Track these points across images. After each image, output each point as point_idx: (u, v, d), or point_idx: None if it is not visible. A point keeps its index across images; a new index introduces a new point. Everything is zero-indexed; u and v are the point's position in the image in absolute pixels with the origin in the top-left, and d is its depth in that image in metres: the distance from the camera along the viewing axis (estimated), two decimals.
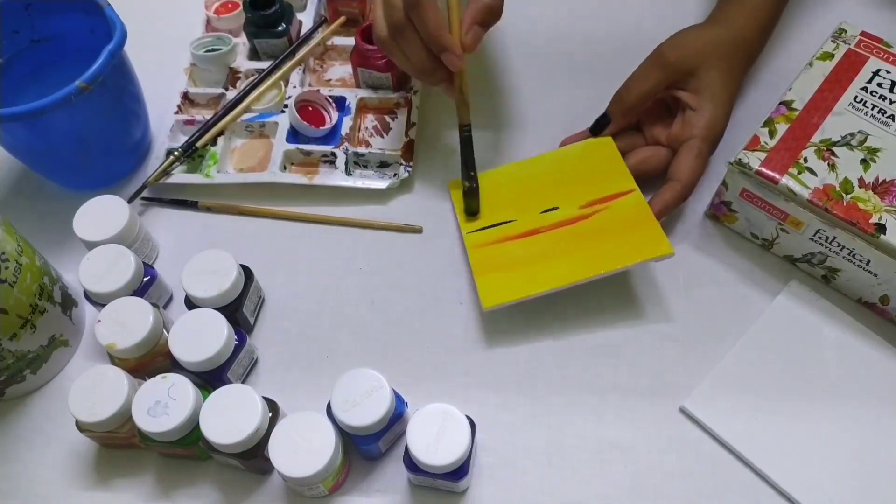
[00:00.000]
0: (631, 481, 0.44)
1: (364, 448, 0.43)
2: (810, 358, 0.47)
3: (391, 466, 0.45)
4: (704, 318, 0.49)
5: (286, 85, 0.59)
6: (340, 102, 0.58)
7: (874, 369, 0.46)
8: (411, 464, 0.40)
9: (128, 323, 0.44)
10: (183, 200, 0.55)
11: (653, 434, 0.45)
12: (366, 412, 0.40)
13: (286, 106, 0.58)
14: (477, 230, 0.51)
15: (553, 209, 0.50)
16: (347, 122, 0.57)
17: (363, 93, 0.59)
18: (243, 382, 0.47)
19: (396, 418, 0.42)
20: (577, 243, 0.48)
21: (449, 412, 0.40)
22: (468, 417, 0.40)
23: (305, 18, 0.63)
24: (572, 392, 0.47)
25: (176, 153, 0.55)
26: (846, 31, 0.51)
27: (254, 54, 0.62)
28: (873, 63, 0.50)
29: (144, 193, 0.55)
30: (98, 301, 0.47)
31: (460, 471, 0.40)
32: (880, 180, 0.45)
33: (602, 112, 0.53)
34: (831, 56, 0.50)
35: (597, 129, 0.53)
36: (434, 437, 0.39)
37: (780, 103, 0.49)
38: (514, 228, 0.50)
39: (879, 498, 0.42)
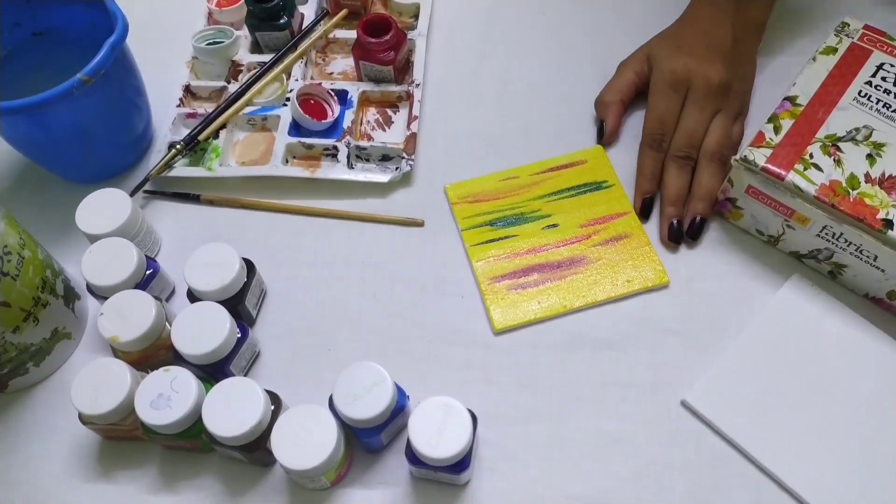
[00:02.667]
0: (632, 474, 0.44)
1: (366, 441, 0.43)
2: (812, 352, 0.47)
3: (393, 459, 0.45)
4: (706, 312, 0.49)
5: (288, 78, 0.59)
6: (342, 96, 0.58)
7: (876, 363, 0.46)
8: (413, 457, 0.40)
9: (130, 316, 0.44)
10: (185, 194, 0.55)
11: (654, 427, 0.45)
12: (368, 405, 0.40)
13: (288, 99, 0.57)
14: (480, 243, 0.52)
15: (554, 226, 0.52)
16: (349, 116, 0.57)
17: (365, 86, 0.58)
18: (245, 375, 0.47)
19: (398, 411, 0.42)
20: (582, 272, 0.50)
21: (450, 405, 0.40)
22: (469, 410, 0.40)
23: (307, 11, 0.63)
24: (574, 385, 0.47)
25: (178, 146, 0.55)
26: (849, 25, 0.51)
27: (256, 47, 0.61)
28: (877, 57, 0.49)
29: (146, 187, 0.55)
30: (101, 294, 0.47)
31: (462, 464, 0.40)
32: (886, 175, 0.45)
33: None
34: (835, 50, 0.50)
35: (601, 136, 0.56)
36: (436, 430, 0.39)
37: (785, 99, 0.48)
38: (518, 244, 0.51)
39: (881, 493, 0.42)
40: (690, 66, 0.52)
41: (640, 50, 0.57)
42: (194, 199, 0.55)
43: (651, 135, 0.52)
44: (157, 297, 0.46)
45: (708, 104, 0.51)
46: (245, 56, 0.60)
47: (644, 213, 0.52)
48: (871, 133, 0.46)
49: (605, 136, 0.55)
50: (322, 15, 0.62)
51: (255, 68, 0.59)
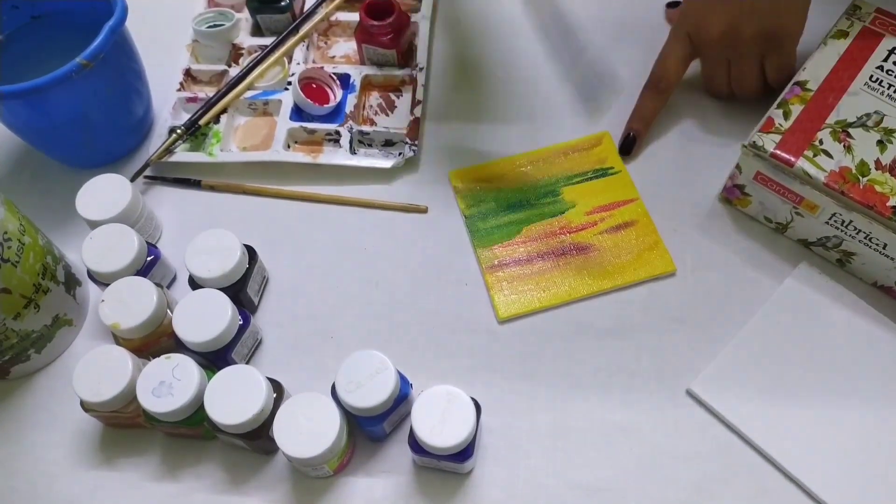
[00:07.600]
0: (636, 464, 0.44)
1: (369, 429, 0.43)
2: (819, 341, 0.46)
3: (396, 447, 0.45)
4: (713, 301, 0.48)
5: (290, 62, 0.58)
6: (345, 80, 0.58)
7: (884, 352, 0.46)
8: (416, 445, 0.40)
9: (131, 303, 0.44)
10: (186, 179, 0.55)
11: (659, 417, 0.45)
12: (370, 393, 0.40)
13: (290, 83, 0.57)
14: (484, 230, 0.51)
15: (560, 213, 0.51)
16: (352, 100, 0.56)
17: (368, 70, 0.58)
18: (248, 363, 0.47)
19: (401, 400, 0.42)
20: (587, 260, 0.50)
21: (454, 394, 0.39)
22: (473, 399, 0.40)
23: None
24: (578, 374, 0.46)
25: (178, 131, 0.55)
26: (861, 8, 0.50)
27: (257, 30, 0.61)
28: (889, 41, 0.48)
29: (147, 172, 0.55)
30: (102, 281, 0.46)
31: (465, 452, 0.40)
32: None
33: (625, 132, 0.54)
34: (846, 34, 0.49)
35: (628, 149, 0.54)
36: (439, 418, 0.39)
37: (794, 83, 0.48)
38: (523, 231, 0.51)
39: (887, 483, 0.42)
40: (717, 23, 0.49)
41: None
42: (195, 184, 0.55)
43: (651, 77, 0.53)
44: (158, 284, 0.45)
45: (749, 54, 0.50)
46: (246, 39, 0.60)
47: (624, 150, 0.54)
48: (882, 119, 0.46)
49: (630, 151, 0.54)
50: None
51: (256, 52, 0.59)
